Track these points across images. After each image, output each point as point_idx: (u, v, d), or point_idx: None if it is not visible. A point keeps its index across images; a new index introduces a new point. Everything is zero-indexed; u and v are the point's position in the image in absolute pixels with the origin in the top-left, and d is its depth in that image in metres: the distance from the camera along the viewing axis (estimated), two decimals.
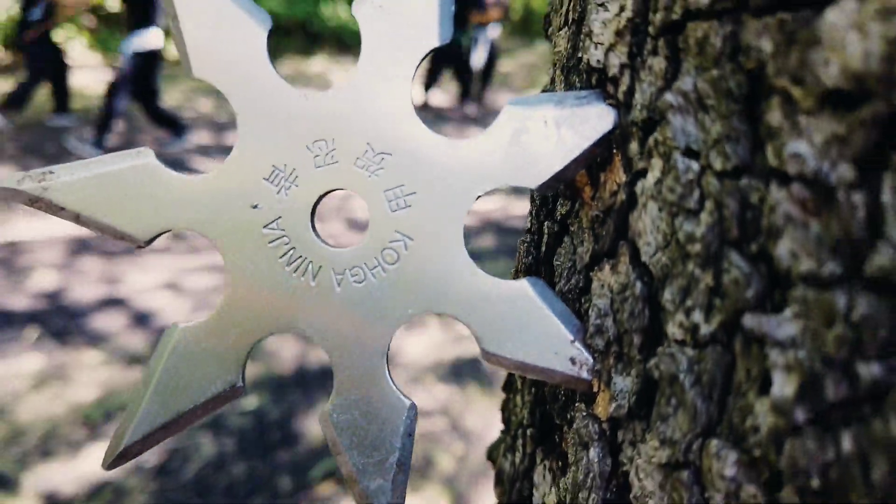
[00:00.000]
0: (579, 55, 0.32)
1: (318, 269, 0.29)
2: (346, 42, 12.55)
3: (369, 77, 0.29)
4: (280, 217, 0.29)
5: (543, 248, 0.37)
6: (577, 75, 0.33)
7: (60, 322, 2.60)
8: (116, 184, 0.29)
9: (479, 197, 0.29)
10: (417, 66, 0.30)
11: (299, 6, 11.71)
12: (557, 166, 0.28)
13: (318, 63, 11.62)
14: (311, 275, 0.29)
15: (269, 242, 0.29)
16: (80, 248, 3.36)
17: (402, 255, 0.29)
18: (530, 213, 0.40)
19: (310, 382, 2.26)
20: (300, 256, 0.29)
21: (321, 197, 0.29)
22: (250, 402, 2.15)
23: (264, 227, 0.29)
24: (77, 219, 0.29)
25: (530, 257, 0.39)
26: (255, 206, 0.29)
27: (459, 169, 0.29)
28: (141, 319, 2.64)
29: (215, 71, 0.29)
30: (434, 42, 0.30)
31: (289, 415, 2.10)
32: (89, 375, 2.26)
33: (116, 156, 0.30)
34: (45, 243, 3.39)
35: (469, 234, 2.63)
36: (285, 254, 0.29)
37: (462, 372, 2.33)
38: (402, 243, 0.28)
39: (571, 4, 0.35)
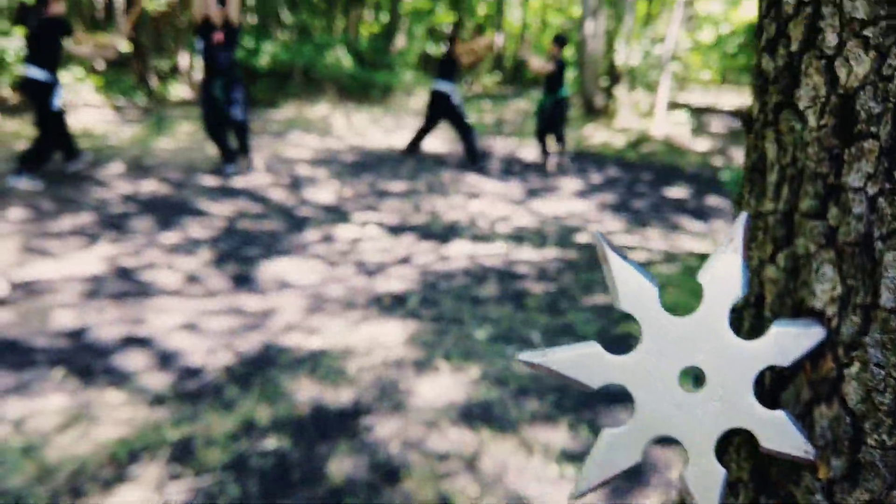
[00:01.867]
0: (800, 298, 0.56)
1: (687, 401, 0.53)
2: (346, 88, 12.77)
3: (707, 313, 0.51)
4: (664, 380, 0.53)
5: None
6: (791, 308, 0.57)
7: (84, 361, 2.63)
8: (581, 359, 0.53)
9: (759, 371, 0.52)
10: (730, 306, 0.51)
11: (303, 53, 11.94)
12: (798, 355, 0.52)
13: (321, 108, 11.80)
14: (685, 406, 0.53)
15: (661, 390, 0.53)
16: (99, 288, 3.40)
17: (723, 400, 0.52)
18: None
19: (328, 424, 2.30)
20: (681, 395, 0.53)
21: (682, 369, 0.53)
22: (270, 442, 2.19)
23: (660, 382, 0.53)
24: (552, 372, 0.53)
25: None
26: (649, 373, 0.52)
27: (750, 356, 0.52)
28: (162, 359, 2.68)
29: (631, 305, 0.52)
30: (741, 293, 0.51)
31: (308, 455, 2.13)
32: (114, 415, 2.29)
33: (577, 345, 0.53)
34: (66, 283, 3.43)
35: (475, 281, 2.71)
36: (666, 394, 0.53)
37: (473, 415, 2.38)
38: (722, 394, 0.53)
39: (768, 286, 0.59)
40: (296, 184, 6.19)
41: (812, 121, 0.52)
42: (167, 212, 4.91)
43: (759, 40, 0.59)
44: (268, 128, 9.88)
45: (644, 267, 2.76)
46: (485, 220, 5.21)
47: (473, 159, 7.60)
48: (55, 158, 5.73)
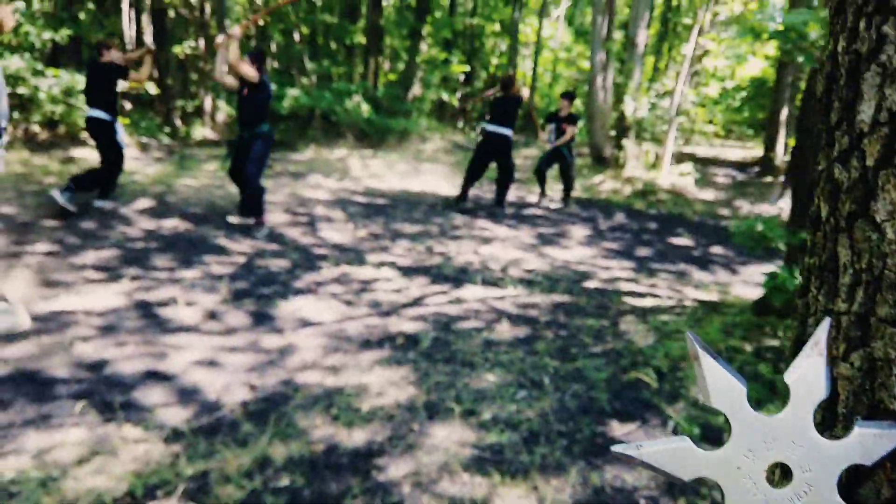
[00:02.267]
0: (878, 399, 0.56)
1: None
2: (363, 133, 12.96)
3: (793, 412, 0.53)
4: (752, 476, 0.54)
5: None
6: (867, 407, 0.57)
7: (103, 395, 2.63)
8: (674, 452, 0.53)
9: (843, 469, 0.53)
10: (815, 406, 0.54)
11: (323, 99, 12.18)
12: (880, 454, 0.52)
13: (340, 152, 11.98)
14: (772, 501, 0.54)
15: (750, 485, 0.54)
16: (119, 323, 3.42)
17: (809, 496, 0.53)
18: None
19: (341, 463, 2.27)
20: (769, 491, 0.54)
21: (769, 466, 0.54)
22: (284, 480, 2.17)
23: (749, 478, 0.54)
24: (645, 465, 0.53)
25: None
26: (738, 468, 0.54)
27: (835, 455, 0.53)
28: (180, 395, 2.67)
29: (721, 403, 0.53)
30: (825, 394, 0.54)
31: (321, 494, 2.11)
32: (131, 449, 2.28)
33: (669, 440, 0.54)
34: (87, 316, 3.45)
35: (486, 324, 2.70)
36: (755, 489, 0.54)
37: (485, 459, 2.35)
38: (808, 490, 0.54)
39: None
40: (313, 224, 6.24)
41: (890, 233, 0.52)
42: (188, 249, 4.96)
43: (830, 149, 0.59)
44: (288, 169, 10.02)
45: (649, 312, 2.74)
46: (496, 264, 5.22)
47: (501, 204, 7.62)
48: (89, 193, 5.83)
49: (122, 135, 5.74)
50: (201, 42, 16.59)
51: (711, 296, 4.64)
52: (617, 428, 2.54)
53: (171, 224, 5.69)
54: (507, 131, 7.25)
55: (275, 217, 6.39)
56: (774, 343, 3.22)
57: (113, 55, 5.68)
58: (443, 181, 10.24)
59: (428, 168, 11.48)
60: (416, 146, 14.14)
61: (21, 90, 8.57)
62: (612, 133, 10.82)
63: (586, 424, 2.57)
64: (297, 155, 11.52)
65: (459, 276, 4.78)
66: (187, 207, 6.41)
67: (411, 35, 15.29)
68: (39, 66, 8.54)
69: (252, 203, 5.72)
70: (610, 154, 10.55)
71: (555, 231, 6.92)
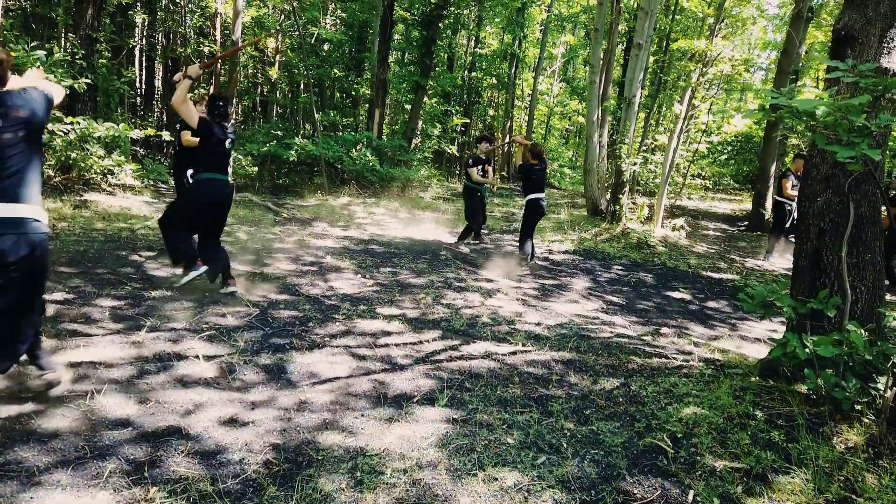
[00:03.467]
0: None
1: None
2: (368, 181, 13.05)
3: None
4: None
5: None
6: None
7: (127, 455, 2.57)
8: None
9: None
10: None
11: (331, 149, 12.30)
12: None
13: (344, 199, 12.05)
14: None
15: None
16: (138, 377, 3.37)
17: None
18: None
19: None
20: None
21: None
22: None
23: None
24: None
25: None
26: None
27: None
28: (203, 455, 2.62)
29: None
30: None
31: None
32: None
33: None
34: (106, 370, 3.40)
35: (500, 382, 2.66)
36: None
37: None
38: None
39: None
40: (322, 273, 6.24)
41: None
42: (202, 297, 4.93)
43: None
44: (295, 215, 10.06)
45: (658, 373, 2.72)
46: (503, 318, 5.21)
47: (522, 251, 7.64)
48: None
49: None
50: (211, 88, 16.78)
51: (714, 353, 4.64)
52: (638, 497, 2.50)
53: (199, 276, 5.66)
54: (542, 195, 7.45)
55: (284, 266, 6.39)
56: (786, 409, 3.20)
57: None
58: (442, 228, 10.29)
59: (428, 216, 11.55)
60: (417, 193, 14.25)
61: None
62: (608, 186, 10.95)
63: (608, 493, 2.53)
64: (303, 202, 11.58)
65: (469, 331, 4.76)
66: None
67: (415, 89, 15.56)
68: (58, 113, 8.61)
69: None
70: (606, 207, 10.65)
71: (556, 283, 6.93)
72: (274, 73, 15.98)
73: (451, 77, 18.30)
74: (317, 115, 14.65)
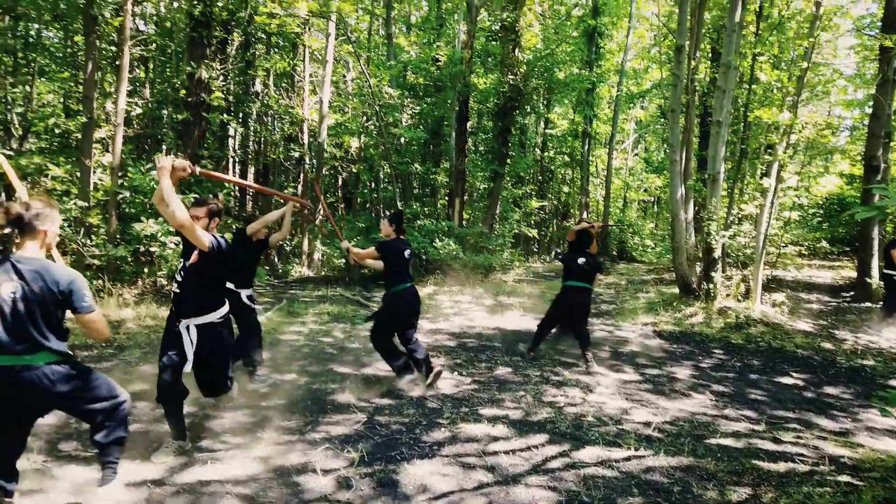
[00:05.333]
0: None
1: None
2: (450, 269, 13.28)
3: None
4: None
5: None
6: None
7: None
8: None
9: None
10: None
11: (415, 239, 12.68)
12: None
13: (428, 289, 12.28)
14: None
15: None
16: (265, 492, 3.49)
17: None
18: None
19: None
20: None
21: None
22: None
23: None
24: None
25: None
26: None
27: None
28: None
29: None
30: None
31: None
32: None
33: None
34: (235, 485, 3.55)
35: (622, 497, 2.50)
36: None
37: None
38: None
39: None
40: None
41: None
42: (312, 406, 5.09)
43: None
44: None
45: (787, 481, 2.55)
46: (609, 417, 5.08)
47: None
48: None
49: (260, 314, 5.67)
50: (299, 188, 17.81)
51: (842, 450, 4.33)
52: None
53: (291, 378, 5.89)
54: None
55: (383, 365, 6.51)
56: None
57: (260, 235, 5.68)
58: (529, 314, 10.25)
59: (513, 301, 11.56)
60: (500, 278, 14.34)
61: (153, 248, 9.37)
62: (698, 263, 10.70)
63: None
64: None
65: (576, 433, 4.66)
66: (303, 359, 6.64)
67: (492, 177, 15.97)
68: (170, 227, 9.37)
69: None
70: (698, 284, 10.36)
71: (657, 372, 6.72)
72: (357, 169, 16.84)
73: (527, 162, 18.71)
74: (399, 207, 15.21)
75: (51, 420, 4.45)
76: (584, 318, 6.97)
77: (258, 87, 18.01)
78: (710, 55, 16.53)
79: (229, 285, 5.34)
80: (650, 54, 23.55)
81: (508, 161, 16.67)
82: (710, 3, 13.45)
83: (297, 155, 17.40)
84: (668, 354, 7.64)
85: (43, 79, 15.57)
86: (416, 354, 5.67)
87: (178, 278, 3.94)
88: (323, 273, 15.01)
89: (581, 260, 6.93)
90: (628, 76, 22.78)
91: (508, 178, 18.00)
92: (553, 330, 7.57)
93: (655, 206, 28.36)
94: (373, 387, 5.72)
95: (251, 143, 19.14)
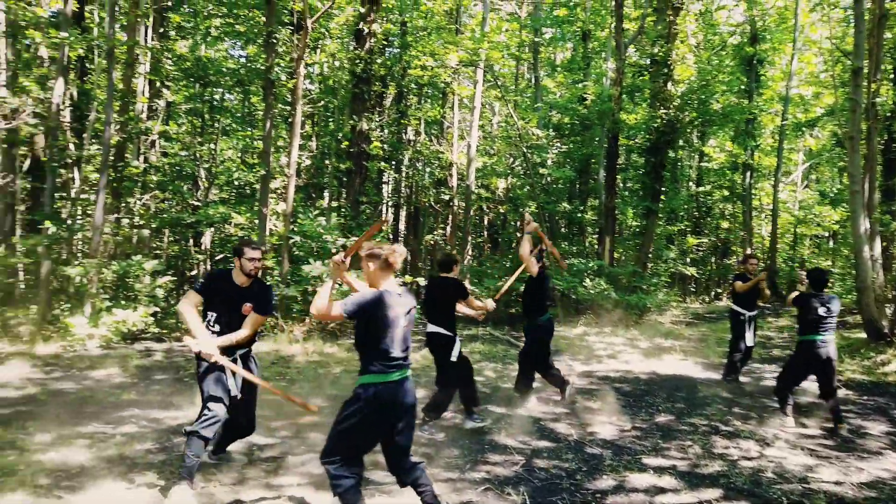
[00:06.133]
0: None
1: None
2: (602, 309, 12.97)
3: None
4: None
5: None
6: None
7: None
8: None
9: None
10: None
11: (564, 280, 12.57)
12: None
13: (579, 328, 12.07)
14: None
15: None
16: None
17: None
18: None
19: None
20: None
21: None
22: None
23: None
24: None
25: None
26: None
27: None
28: None
29: None
30: None
31: None
32: None
33: None
34: None
35: None
36: None
37: None
38: None
39: None
40: (576, 414, 6.20)
41: None
42: (470, 444, 5.17)
43: None
44: None
45: None
46: (791, 474, 4.65)
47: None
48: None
49: (457, 352, 5.46)
50: (447, 230, 18.42)
51: None
52: None
53: (448, 416, 6.02)
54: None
55: (537, 406, 6.47)
56: None
57: (455, 271, 5.60)
58: (690, 359, 9.69)
59: (670, 343, 10.99)
60: (656, 319, 13.74)
61: (318, 289, 10.11)
62: (888, 305, 9.57)
63: None
64: None
65: (755, 490, 4.31)
66: (457, 398, 6.76)
67: (645, 214, 15.49)
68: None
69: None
70: (889, 328, 9.24)
71: (842, 425, 6.04)
72: (504, 209, 17.12)
73: (682, 197, 17.96)
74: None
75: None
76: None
77: (410, 134, 19.06)
78: (893, 76, 15.02)
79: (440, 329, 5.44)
80: (820, 79, 21.82)
81: (662, 197, 16.10)
82: (891, 20, 12.29)
83: (446, 197, 18.08)
84: (856, 406, 6.85)
85: (225, 137, 17.65)
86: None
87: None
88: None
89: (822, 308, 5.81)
90: (794, 103, 21.21)
91: (662, 215, 17.33)
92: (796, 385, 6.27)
93: (831, 242, 25.81)
94: (529, 428, 5.70)
95: (403, 187, 20.19)
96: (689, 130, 18.68)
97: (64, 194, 12.69)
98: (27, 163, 13.11)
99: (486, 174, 18.15)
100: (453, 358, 5.41)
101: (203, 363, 4.08)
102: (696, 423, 6.03)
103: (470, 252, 16.15)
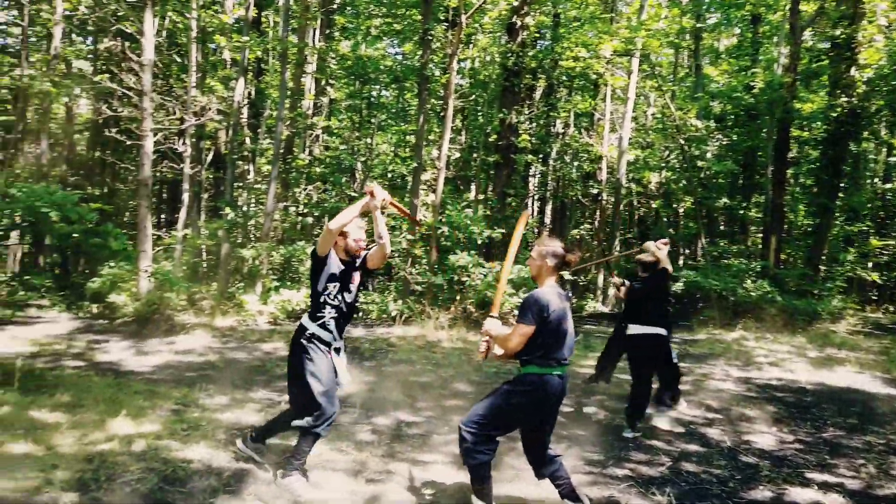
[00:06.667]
0: None
1: None
2: (764, 315, 12.08)
3: None
4: None
5: None
6: None
7: None
8: None
9: None
10: None
11: (722, 280, 11.86)
12: None
13: (736, 332, 11.34)
14: None
15: None
16: None
17: None
18: None
19: None
20: None
21: None
22: None
23: None
24: None
25: None
26: None
27: None
28: None
29: None
30: None
31: None
32: None
33: None
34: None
35: None
36: None
37: None
38: None
39: None
40: (731, 422, 5.86)
41: None
42: (612, 441, 5.08)
43: None
44: (687, 351, 9.81)
45: None
46: None
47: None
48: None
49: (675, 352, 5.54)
50: (595, 225, 18.02)
51: None
52: None
53: (591, 411, 5.96)
54: None
55: (687, 410, 6.19)
56: None
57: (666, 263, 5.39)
58: (868, 371, 8.72)
59: (844, 354, 9.96)
60: (828, 327, 12.52)
61: (465, 278, 10.38)
62: None
63: None
64: (692, 336, 11.25)
65: None
66: (600, 394, 6.66)
67: (819, 212, 14.13)
68: (480, 259, 10.30)
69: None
70: None
71: None
72: (657, 205, 16.43)
73: (867, 195, 16.16)
74: (702, 243, 14.38)
75: None
76: None
77: (559, 127, 18.86)
78: None
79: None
80: None
81: (840, 194, 14.58)
82: None
83: (594, 191, 17.71)
84: None
85: (380, 132, 18.57)
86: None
87: None
88: (616, 310, 14.86)
89: None
90: None
91: (839, 214, 15.70)
92: None
93: None
94: (677, 430, 5.48)
95: (550, 181, 20.04)
96: (875, 121, 16.75)
97: (241, 184, 14.08)
98: (210, 156, 14.72)
99: (638, 168, 17.52)
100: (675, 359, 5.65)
101: (313, 352, 3.74)
102: (871, 440, 5.45)
103: (617, 249, 15.67)
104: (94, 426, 4.52)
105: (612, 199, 16.61)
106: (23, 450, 3.99)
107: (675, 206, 17.59)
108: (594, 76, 17.23)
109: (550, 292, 3.40)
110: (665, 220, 18.51)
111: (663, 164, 16.70)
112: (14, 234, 10.62)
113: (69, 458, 3.91)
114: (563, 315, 3.38)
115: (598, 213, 18.57)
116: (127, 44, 11.11)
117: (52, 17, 13.80)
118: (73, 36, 17.34)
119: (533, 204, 21.32)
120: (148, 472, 3.81)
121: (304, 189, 14.28)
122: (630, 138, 16.47)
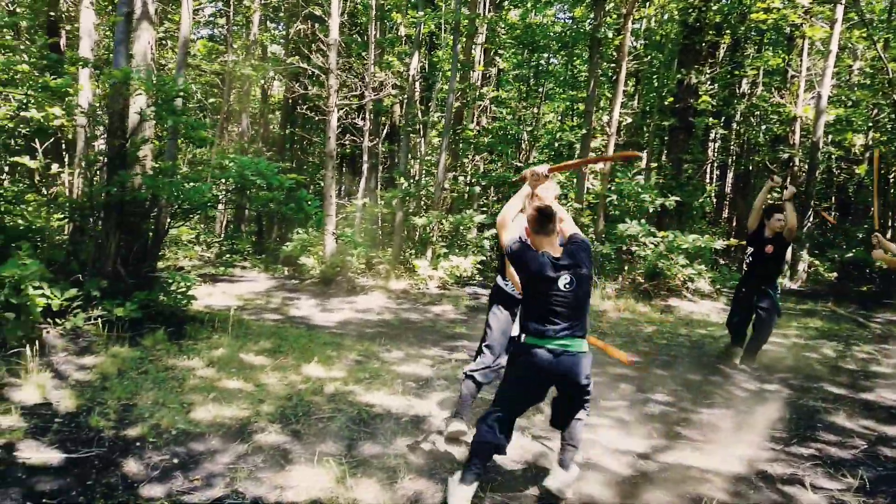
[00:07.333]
0: None
1: None
2: None
3: None
4: None
5: None
6: None
7: None
8: None
9: None
10: None
11: None
12: None
13: None
14: None
15: None
16: (753, 489, 3.46)
17: None
18: None
19: None
20: None
21: None
22: None
23: None
24: None
25: None
26: None
27: None
28: None
29: None
30: None
31: None
32: None
33: None
34: (715, 475, 3.62)
35: None
36: None
37: None
38: None
39: None
40: None
41: None
42: (798, 420, 4.75)
43: None
44: (892, 332, 8.76)
45: None
46: None
47: None
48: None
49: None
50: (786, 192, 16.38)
51: None
52: None
53: (774, 388, 5.59)
54: None
55: (889, 394, 5.58)
56: None
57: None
58: None
59: None
60: None
61: (634, 248, 10.07)
62: None
63: None
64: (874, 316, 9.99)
65: None
66: (785, 372, 6.21)
67: None
68: (651, 229, 9.92)
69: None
70: None
71: None
72: (861, 170, 14.64)
73: None
74: None
75: None
76: None
77: (745, 87, 17.35)
78: None
79: None
80: None
81: None
82: None
83: (785, 156, 16.14)
84: None
85: (547, 101, 18.36)
86: None
87: None
88: (807, 286, 13.54)
89: None
90: None
91: None
92: None
93: None
94: (876, 414, 4.97)
95: (733, 145, 18.58)
96: None
97: (413, 156, 14.76)
98: (386, 129, 15.55)
99: (840, 129, 15.62)
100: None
101: (496, 306, 3.94)
102: None
103: (812, 219, 14.18)
104: (292, 369, 5.14)
105: (807, 165, 15.01)
106: (236, 385, 4.64)
107: (883, 171, 15.48)
108: (788, 28, 15.57)
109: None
110: (869, 187, 16.38)
111: (870, 125, 14.76)
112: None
113: (273, 395, 4.49)
114: (552, 281, 3.08)
115: (788, 179, 16.93)
116: (315, 25, 12.03)
117: (251, 6, 15.31)
118: (268, 23, 19.10)
119: (712, 171, 19.93)
120: (337, 412, 4.27)
121: (472, 159, 14.61)
122: (830, 96, 14.73)
